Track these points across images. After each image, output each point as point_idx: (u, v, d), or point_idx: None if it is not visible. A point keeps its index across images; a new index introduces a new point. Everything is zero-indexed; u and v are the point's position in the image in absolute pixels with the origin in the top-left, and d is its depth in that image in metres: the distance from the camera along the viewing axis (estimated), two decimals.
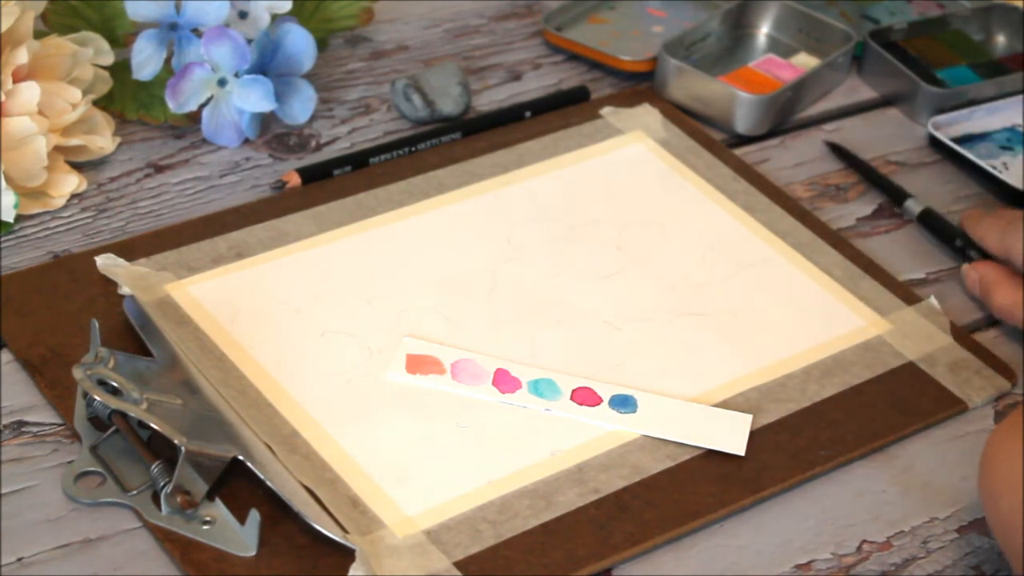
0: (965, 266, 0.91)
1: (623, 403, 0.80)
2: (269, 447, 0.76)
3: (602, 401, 0.80)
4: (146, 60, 0.94)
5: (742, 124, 1.00)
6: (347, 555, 0.71)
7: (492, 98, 1.02)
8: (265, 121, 0.97)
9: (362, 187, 0.92)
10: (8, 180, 0.88)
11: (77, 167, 0.92)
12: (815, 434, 0.80)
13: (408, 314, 0.84)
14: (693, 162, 0.97)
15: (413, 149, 0.96)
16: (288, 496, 0.73)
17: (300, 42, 0.95)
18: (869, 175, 0.98)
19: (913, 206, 0.95)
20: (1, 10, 0.87)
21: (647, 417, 0.80)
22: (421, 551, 0.72)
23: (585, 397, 0.80)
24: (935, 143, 1.01)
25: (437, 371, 0.81)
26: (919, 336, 0.87)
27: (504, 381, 0.80)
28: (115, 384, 0.76)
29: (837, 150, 1.00)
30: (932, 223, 0.94)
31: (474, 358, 0.82)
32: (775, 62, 1.05)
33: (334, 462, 0.76)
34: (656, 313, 0.86)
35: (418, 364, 0.81)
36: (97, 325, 0.79)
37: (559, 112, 1.00)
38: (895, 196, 0.96)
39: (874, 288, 0.89)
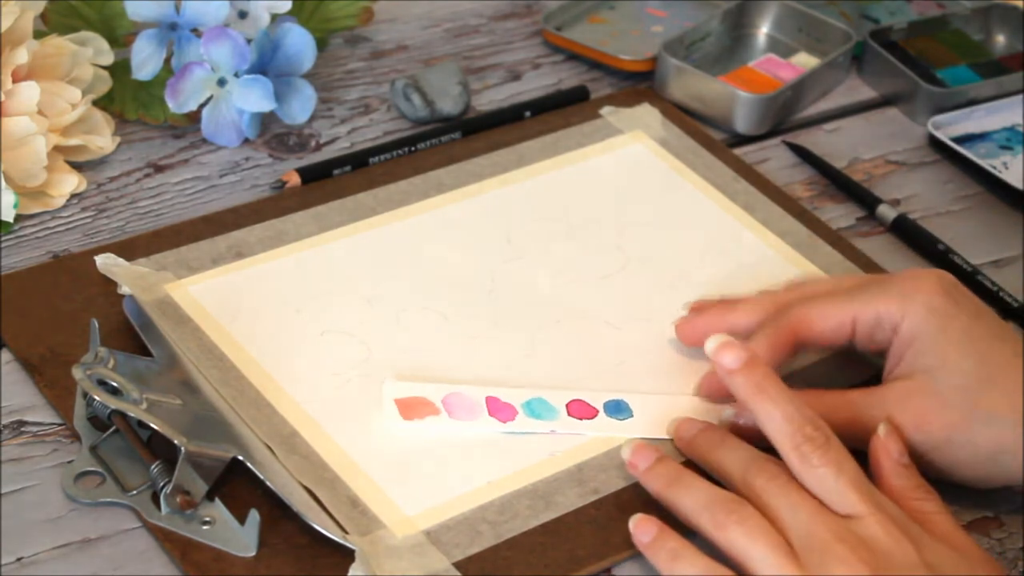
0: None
1: (617, 410, 0.80)
2: (268, 447, 0.76)
3: (598, 412, 0.80)
4: (146, 60, 0.94)
5: (742, 124, 1.00)
6: (347, 555, 0.71)
7: (492, 98, 1.02)
8: (265, 121, 0.97)
9: (362, 187, 0.92)
10: (8, 180, 0.88)
11: (77, 167, 0.92)
12: None
13: (408, 314, 0.84)
14: (693, 162, 0.97)
15: (413, 149, 0.96)
16: (288, 496, 0.73)
17: (300, 42, 0.95)
18: (837, 180, 0.97)
19: (886, 212, 0.94)
20: (1, 10, 0.87)
21: (645, 420, 0.79)
22: (421, 551, 0.72)
23: (580, 410, 0.80)
24: (935, 143, 1.01)
25: (432, 412, 0.79)
26: None
27: (499, 409, 0.79)
28: (115, 384, 0.76)
29: (803, 153, 0.99)
30: (907, 229, 0.93)
31: (460, 390, 0.80)
32: (775, 62, 1.05)
33: (333, 462, 0.76)
34: (656, 313, 0.86)
35: (411, 409, 0.79)
36: (97, 325, 0.79)
37: (559, 112, 1.00)
38: (864, 201, 0.95)
39: None
